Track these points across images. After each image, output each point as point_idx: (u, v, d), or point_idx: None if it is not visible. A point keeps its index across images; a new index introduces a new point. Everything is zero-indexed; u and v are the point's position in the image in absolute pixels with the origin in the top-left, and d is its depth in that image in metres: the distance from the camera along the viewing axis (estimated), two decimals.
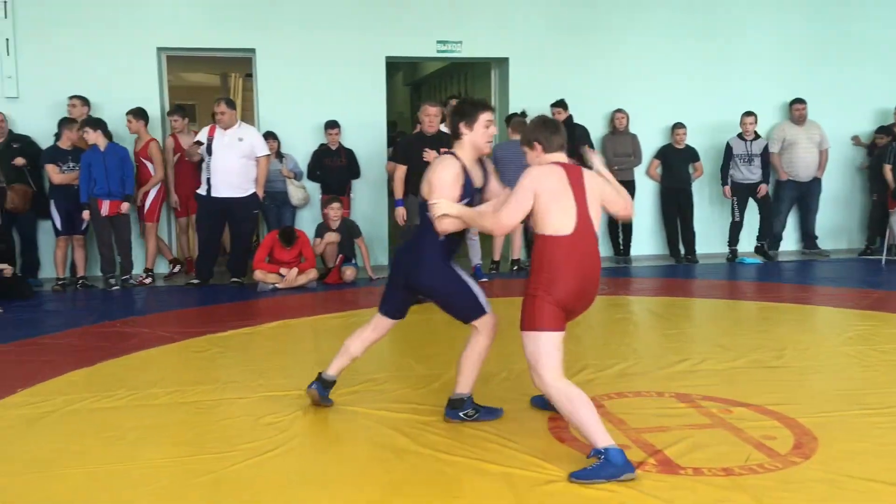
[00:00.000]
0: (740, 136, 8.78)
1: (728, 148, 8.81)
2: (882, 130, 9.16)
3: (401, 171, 6.49)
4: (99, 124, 7.32)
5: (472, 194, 3.58)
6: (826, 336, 5.54)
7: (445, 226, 3.46)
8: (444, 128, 7.33)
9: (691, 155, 8.95)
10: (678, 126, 8.87)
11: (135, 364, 4.93)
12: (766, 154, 8.77)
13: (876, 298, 6.67)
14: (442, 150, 6.11)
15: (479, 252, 7.85)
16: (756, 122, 8.75)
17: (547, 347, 3.21)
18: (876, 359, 4.79)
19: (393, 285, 3.77)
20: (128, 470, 3.28)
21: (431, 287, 3.61)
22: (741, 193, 8.83)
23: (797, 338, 5.35)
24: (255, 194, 7.51)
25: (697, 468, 3.18)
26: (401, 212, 6.50)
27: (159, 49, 8.21)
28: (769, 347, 5.10)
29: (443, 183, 3.48)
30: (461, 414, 3.72)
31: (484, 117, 3.56)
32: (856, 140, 9.47)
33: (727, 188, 8.82)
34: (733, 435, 3.55)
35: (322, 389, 3.94)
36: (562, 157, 3.46)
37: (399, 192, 6.53)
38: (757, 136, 8.80)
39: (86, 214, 7.37)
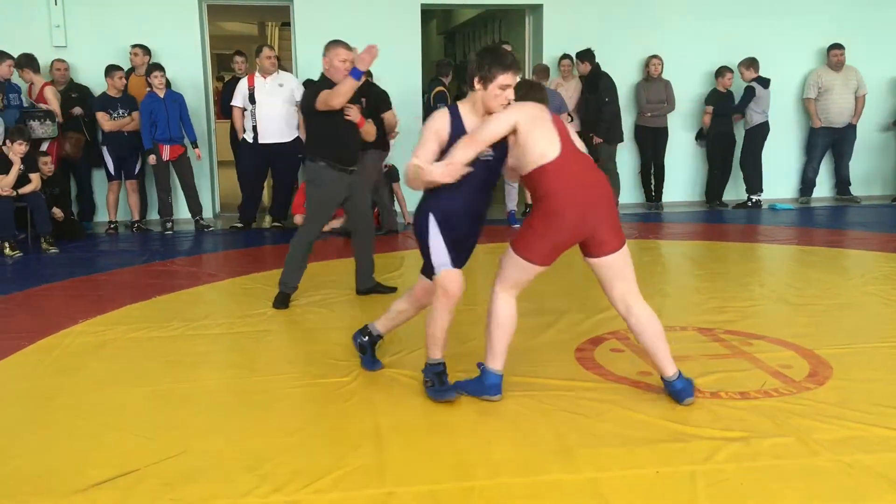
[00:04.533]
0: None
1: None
2: None
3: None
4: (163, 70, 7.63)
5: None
6: (850, 276, 5.67)
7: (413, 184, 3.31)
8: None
9: (734, 99, 8.93)
10: (726, 70, 8.85)
11: (186, 299, 5.24)
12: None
13: None
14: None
15: (515, 198, 8.02)
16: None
17: (513, 269, 3.26)
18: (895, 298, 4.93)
19: None
20: (188, 389, 3.59)
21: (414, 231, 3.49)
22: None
23: (822, 277, 5.49)
24: (298, 139, 7.75)
25: (715, 392, 3.40)
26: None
27: None
28: (794, 286, 5.27)
29: (423, 138, 3.29)
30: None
31: (502, 79, 3.18)
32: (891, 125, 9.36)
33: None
34: (751, 364, 3.75)
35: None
36: None
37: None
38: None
39: (152, 159, 7.67)
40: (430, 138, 3.26)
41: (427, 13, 10.82)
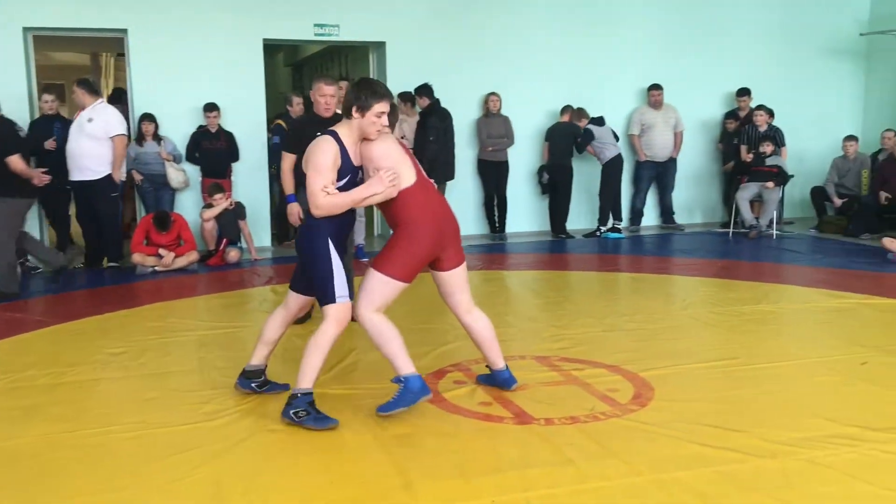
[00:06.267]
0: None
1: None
2: (730, 115, 9.99)
3: (289, 161, 5.13)
4: None
5: (351, 172, 3.54)
6: (673, 301, 6.10)
7: (319, 211, 3.46)
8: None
9: (575, 133, 9.39)
10: (569, 107, 9.33)
11: (9, 348, 4.91)
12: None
13: (720, 267, 7.36)
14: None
15: (363, 232, 8.06)
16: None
17: (382, 289, 3.56)
18: (714, 320, 5.36)
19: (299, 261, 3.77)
20: (9, 446, 3.37)
21: (303, 253, 3.59)
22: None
23: (648, 304, 5.89)
24: (109, 176, 7.36)
25: (549, 419, 3.57)
26: (294, 209, 5.23)
27: (25, 29, 7.97)
28: (623, 313, 5.61)
29: (322, 167, 3.44)
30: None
31: (378, 108, 3.50)
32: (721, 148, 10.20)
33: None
34: (582, 389, 3.97)
35: (246, 382, 3.94)
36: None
37: (289, 187, 5.20)
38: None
39: None
40: (329, 168, 3.46)
41: (274, 46, 10.77)
